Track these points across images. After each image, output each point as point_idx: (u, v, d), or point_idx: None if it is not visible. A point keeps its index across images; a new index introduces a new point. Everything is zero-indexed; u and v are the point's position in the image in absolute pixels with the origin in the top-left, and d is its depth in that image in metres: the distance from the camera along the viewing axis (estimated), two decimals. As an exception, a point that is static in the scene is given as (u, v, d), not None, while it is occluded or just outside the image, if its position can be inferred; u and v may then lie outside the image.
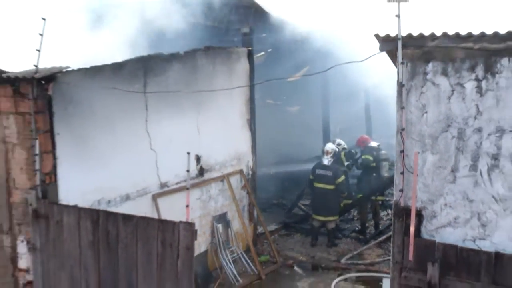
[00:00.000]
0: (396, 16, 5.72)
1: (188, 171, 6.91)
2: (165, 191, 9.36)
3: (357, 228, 13.74)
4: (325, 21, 10.63)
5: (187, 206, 7.07)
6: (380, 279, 10.48)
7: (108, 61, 7.96)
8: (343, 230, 13.54)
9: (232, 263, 10.78)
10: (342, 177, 12.58)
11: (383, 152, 13.33)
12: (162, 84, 8.95)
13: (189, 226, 6.33)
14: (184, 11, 10.82)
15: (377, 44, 5.98)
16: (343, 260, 11.69)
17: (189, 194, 7.10)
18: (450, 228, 5.81)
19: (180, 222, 6.37)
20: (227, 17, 11.28)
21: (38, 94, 7.06)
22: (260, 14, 11.21)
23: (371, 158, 13.23)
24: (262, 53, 12.19)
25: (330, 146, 12.92)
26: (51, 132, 7.27)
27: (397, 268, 6.07)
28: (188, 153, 6.84)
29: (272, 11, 11.19)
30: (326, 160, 12.58)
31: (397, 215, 6.05)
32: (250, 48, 11.35)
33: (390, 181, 12.40)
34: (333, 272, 11.17)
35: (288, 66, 13.08)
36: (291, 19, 11.13)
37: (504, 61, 5.34)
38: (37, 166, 7.16)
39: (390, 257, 6.35)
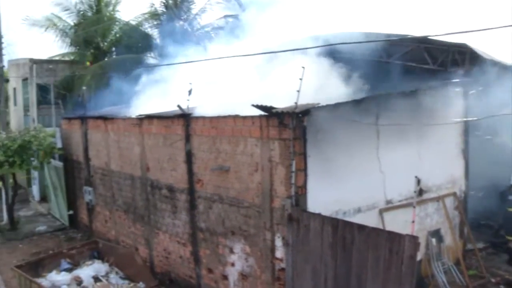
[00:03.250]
0: None
1: (415, 192, 6.99)
2: (389, 207, 9.51)
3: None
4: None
5: (413, 221, 7.10)
6: None
7: (345, 97, 8.30)
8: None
9: (442, 273, 10.53)
10: None
11: None
12: (390, 117, 9.13)
13: (414, 239, 6.45)
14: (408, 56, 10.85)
15: None
16: (551, 283, 10.57)
17: (415, 211, 7.11)
18: None
19: (406, 235, 6.44)
20: (446, 60, 11.00)
21: (296, 125, 7.77)
22: (473, 56, 10.74)
23: None
24: (474, 91, 11.65)
25: None
26: (304, 155, 7.91)
27: None
28: (416, 176, 6.89)
29: (484, 53, 10.65)
30: None
31: None
32: (465, 88, 11.00)
33: None
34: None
35: (500, 102, 12.27)
36: (503, 59, 10.49)
37: None
38: (293, 181, 7.87)
39: None
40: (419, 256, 10.39)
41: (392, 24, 11.17)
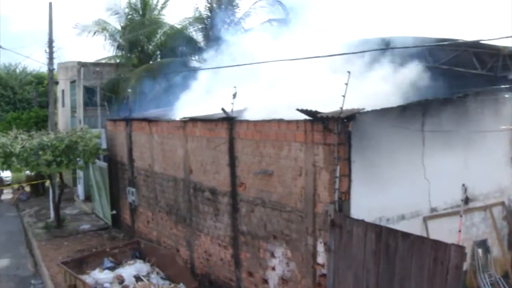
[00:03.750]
0: None
1: (462, 200, 6.82)
2: (434, 215, 9.37)
3: None
4: None
5: (459, 231, 6.99)
6: None
7: (387, 103, 8.22)
8: None
9: (489, 286, 10.24)
10: None
11: None
12: (436, 123, 9.06)
13: (460, 249, 6.36)
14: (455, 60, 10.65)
15: None
16: None
17: (461, 220, 6.97)
18: None
19: (452, 244, 6.34)
20: (495, 65, 10.74)
21: (341, 130, 7.78)
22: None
23: None
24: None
25: None
26: (348, 160, 7.91)
27: None
28: (463, 184, 6.77)
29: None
30: None
31: None
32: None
33: None
34: None
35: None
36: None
37: None
38: (336, 186, 7.87)
39: None
40: (464, 267, 10.21)
41: (441, 28, 11.01)
